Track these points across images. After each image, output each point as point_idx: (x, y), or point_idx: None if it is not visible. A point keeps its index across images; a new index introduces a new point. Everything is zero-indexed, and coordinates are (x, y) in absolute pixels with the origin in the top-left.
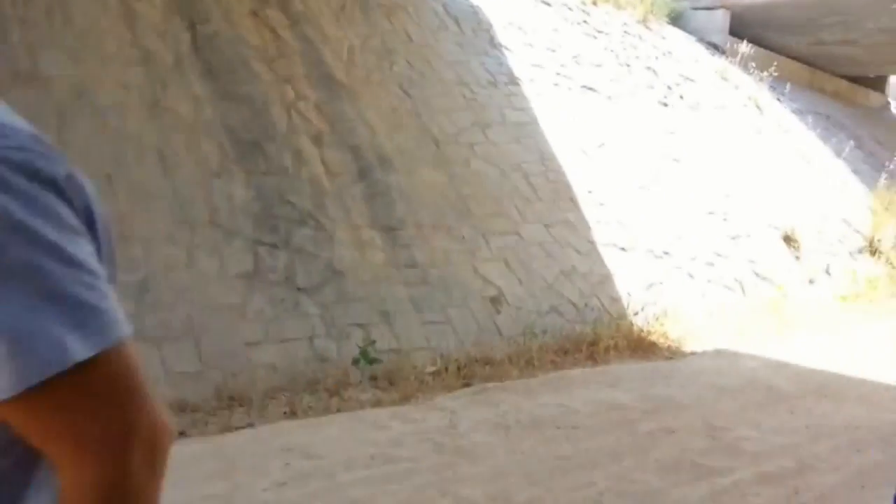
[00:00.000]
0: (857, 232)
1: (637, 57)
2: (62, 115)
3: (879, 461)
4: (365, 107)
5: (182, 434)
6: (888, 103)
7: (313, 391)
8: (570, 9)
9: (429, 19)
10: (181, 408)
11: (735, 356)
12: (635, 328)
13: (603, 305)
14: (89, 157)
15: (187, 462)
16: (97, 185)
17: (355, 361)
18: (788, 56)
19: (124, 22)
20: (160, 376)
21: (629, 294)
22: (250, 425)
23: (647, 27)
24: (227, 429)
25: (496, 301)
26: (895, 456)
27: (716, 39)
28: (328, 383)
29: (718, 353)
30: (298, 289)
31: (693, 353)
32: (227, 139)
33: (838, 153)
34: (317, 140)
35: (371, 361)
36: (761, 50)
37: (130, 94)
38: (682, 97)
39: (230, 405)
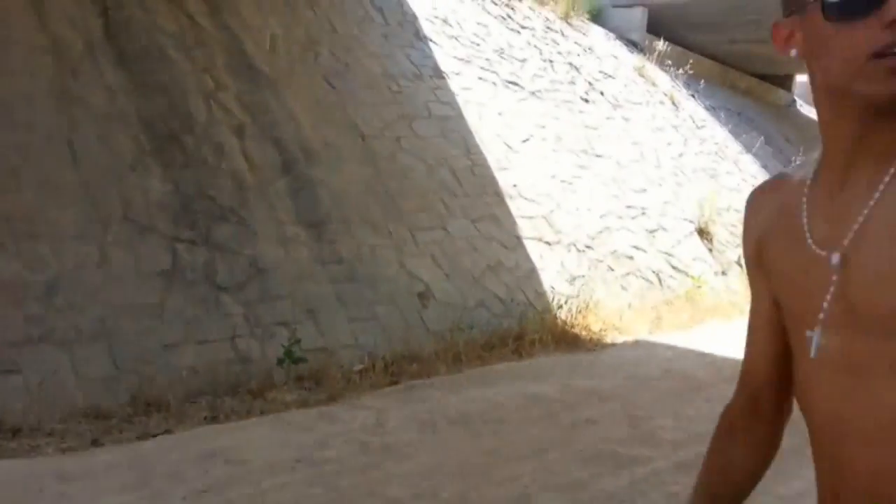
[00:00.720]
0: None
1: (559, 53)
2: None
3: (792, 445)
4: (288, 99)
5: (95, 443)
6: (794, 101)
7: (235, 394)
8: (494, 2)
9: (353, 10)
10: (94, 415)
11: (653, 346)
12: (559, 321)
13: (528, 300)
14: None
15: (101, 472)
16: (2, 179)
17: (280, 362)
18: (703, 54)
19: (31, 6)
20: (71, 382)
21: (553, 288)
22: (168, 431)
23: (569, 23)
24: (144, 436)
25: (423, 297)
26: (805, 441)
27: (634, 37)
28: (251, 385)
29: (638, 344)
30: (219, 287)
31: (614, 345)
32: (142, 131)
33: (749, 148)
34: (238, 132)
35: (296, 361)
36: (677, 48)
37: (38, 82)
38: (602, 93)
39: (147, 411)
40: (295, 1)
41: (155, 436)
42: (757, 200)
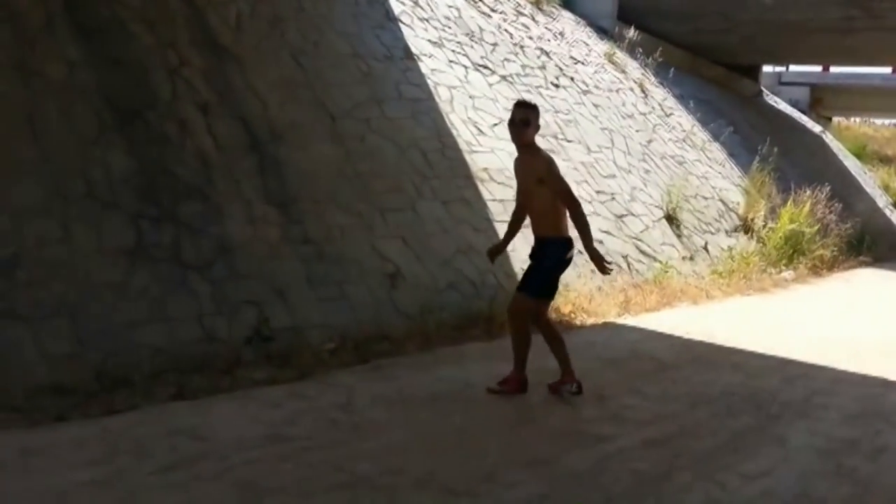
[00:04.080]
0: (733, 211)
1: (530, 37)
2: None
3: (752, 425)
4: (255, 77)
5: (60, 418)
6: (761, 91)
7: (203, 371)
8: None
9: None
10: (58, 391)
11: (621, 329)
12: None
13: (499, 282)
14: None
15: (66, 446)
16: None
17: (248, 340)
18: (671, 42)
19: None
20: (34, 357)
21: (523, 270)
22: (134, 408)
23: (540, 9)
24: (110, 412)
25: (393, 278)
26: (766, 420)
27: (604, 24)
28: (219, 364)
29: (606, 327)
30: (185, 266)
31: (583, 327)
32: (104, 106)
33: (717, 137)
34: (203, 109)
35: (265, 339)
36: (647, 36)
37: None
38: (572, 79)
39: (112, 387)
40: None
41: (121, 412)
42: None
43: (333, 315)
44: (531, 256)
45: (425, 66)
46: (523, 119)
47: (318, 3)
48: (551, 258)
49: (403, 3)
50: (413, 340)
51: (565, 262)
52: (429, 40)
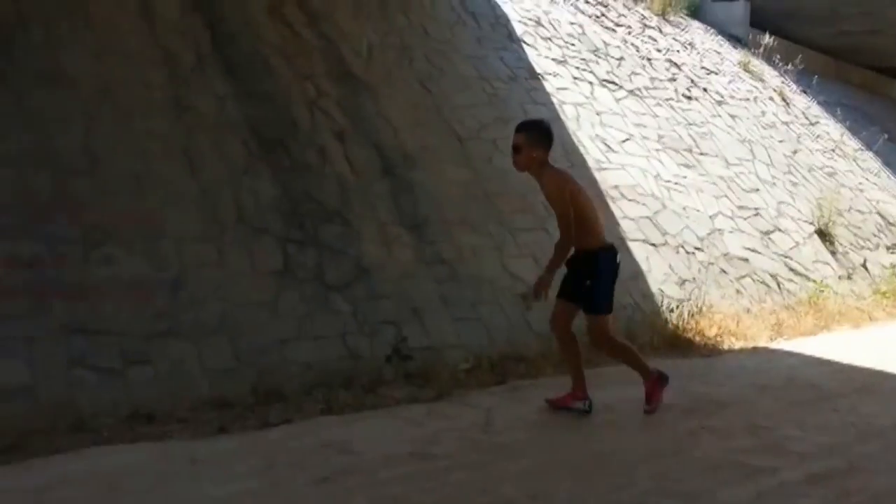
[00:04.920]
0: (893, 225)
1: (658, 50)
2: (89, 116)
3: (728, 460)
4: (386, 104)
5: (222, 430)
6: None
7: (349, 388)
8: (587, 2)
9: (445, 15)
10: (220, 404)
11: (774, 354)
12: (671, 325)
13: (636, 302)
14: (117, 157)
15: (229, 457)
16: (126, 185)
17: (388, 359)
18: (811, 47)
19: (144, 21)
20: (197, 372)
21: (662, 291)
22: (288, 421)
23: (667, 20)
24: (266, 425)
25: (526, 298)
26: (745, 453)
27: (737, 31)
28: (363, 381)
29: (758, 351)
30: (328, 286)
31: (731, 351)
32: (251, 137)
33: (869, 145)
34: (339, 137)
35: (404, 358)
36: (784, 41)
37: (154, 93)
38: (705, 90)
39: (267, 401)
40: (389, 8)
41: (276, 425)
42: None
43: (468, 335)
44: (577, 273)
45: (550, 84)
46: (514, 145)
47: (443, 29)
48: (605, 271)
49: (526, 24)
50: (549, 361)
51: (617, 269)
52: (552, 59)
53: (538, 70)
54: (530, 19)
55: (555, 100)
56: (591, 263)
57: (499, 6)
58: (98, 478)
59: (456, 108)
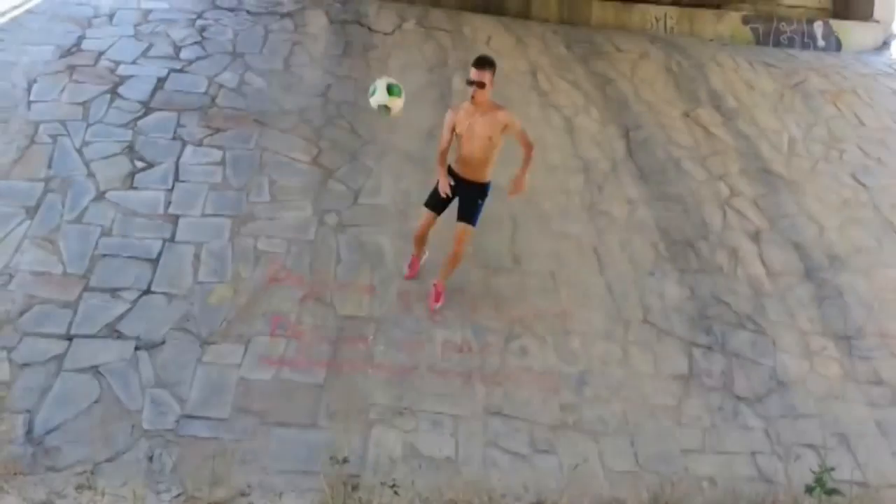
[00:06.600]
0: None
1: None
2: (515, 220)
3: None
4: (810, 200)
5: None
6: None
7: None
8: None
9: (884, 100)
10: None
11: None
12: None
13: None
14: (536, 256)
15: None
16: (543, 281)
17: (809, 489)
18: None
19: (567, 136)
20: (599, 471)
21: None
22: None
23: None
24: None
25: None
26: None
27: None
28: None
29: None
30: (738, 397)
31: None
32: (659, 238)
33: None
34: (754, 237)
35: (829, 492)
36: None
37: (571, 198)
38: None
39: None
40: (814, 99)
41: None
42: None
43: None
44: (465, 194)
45: None
46: (479, 81)
47: (881, 115)
48: (486, 197)
49: None
50: None
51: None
52: None
53: None
54: None
55: None
56: (484, 189)
57: None
58: None
59: None
